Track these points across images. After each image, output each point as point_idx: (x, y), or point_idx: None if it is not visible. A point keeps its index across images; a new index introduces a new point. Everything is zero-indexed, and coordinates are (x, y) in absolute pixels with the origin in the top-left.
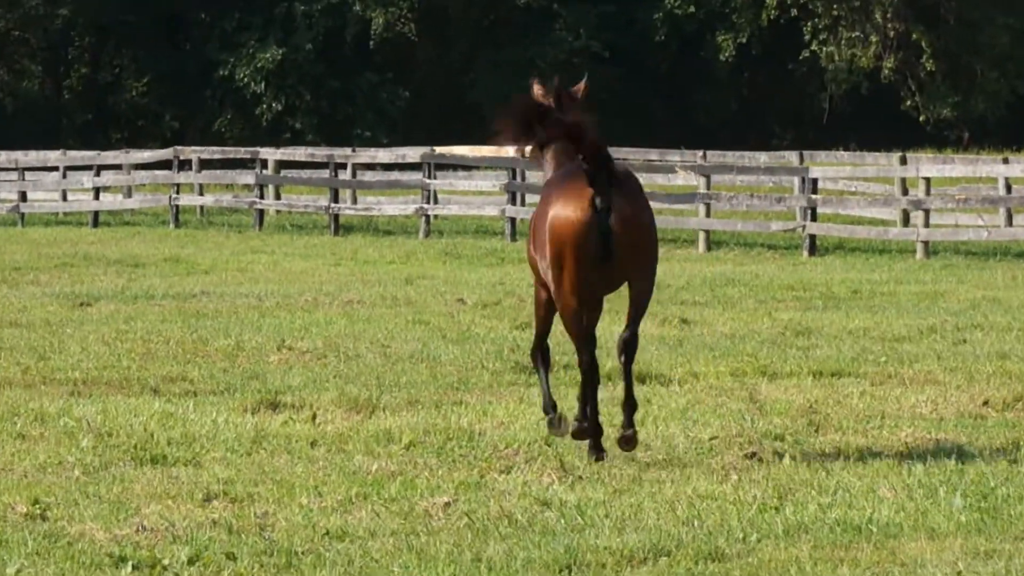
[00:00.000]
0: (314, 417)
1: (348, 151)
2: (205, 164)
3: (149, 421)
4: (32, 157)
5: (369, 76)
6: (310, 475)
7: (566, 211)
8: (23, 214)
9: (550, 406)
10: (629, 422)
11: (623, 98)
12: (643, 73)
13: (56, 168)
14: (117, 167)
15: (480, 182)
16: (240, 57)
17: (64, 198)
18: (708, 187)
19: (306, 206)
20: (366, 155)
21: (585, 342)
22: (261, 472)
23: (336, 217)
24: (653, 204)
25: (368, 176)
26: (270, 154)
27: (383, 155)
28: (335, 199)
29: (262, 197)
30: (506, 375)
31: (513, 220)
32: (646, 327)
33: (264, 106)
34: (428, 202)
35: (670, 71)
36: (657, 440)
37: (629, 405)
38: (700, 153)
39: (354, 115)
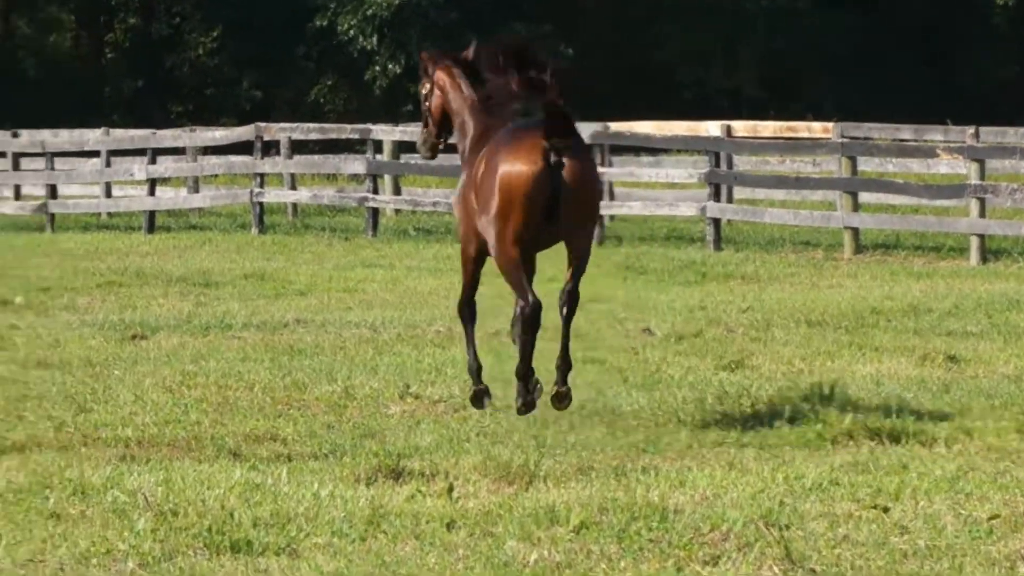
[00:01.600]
0: (450, 489)
1: None
2: (298, 147)
3: (228, 495)
4: (64, 138)
5: (519, 28)
6: (446, 567)
7: (518, 165)
8: (52, 215)
9: (476, 370)
10: (563, 380)
11: (864, 57)
12: (891, 23)
13: (97, 153)
14: (179, 151)
15: (672, 170)
16: (345, 1)
17: (108, 193)
18: (982, 176)
19: (436, 204)
20: None
21: (526, 291)
22: (379, 563)
23: None
24: (907, 199)
25: None
26: (386, 133)
27: None
28: None
29: (376, 192)
30: (710, 432)
31: (717, 222)
32: (901, 367)
33: (377, 68)
34: (602, 198)
35: (929, 20)
36: (917, 520)
37: (564, 363)
38: (970, 130)
39: None
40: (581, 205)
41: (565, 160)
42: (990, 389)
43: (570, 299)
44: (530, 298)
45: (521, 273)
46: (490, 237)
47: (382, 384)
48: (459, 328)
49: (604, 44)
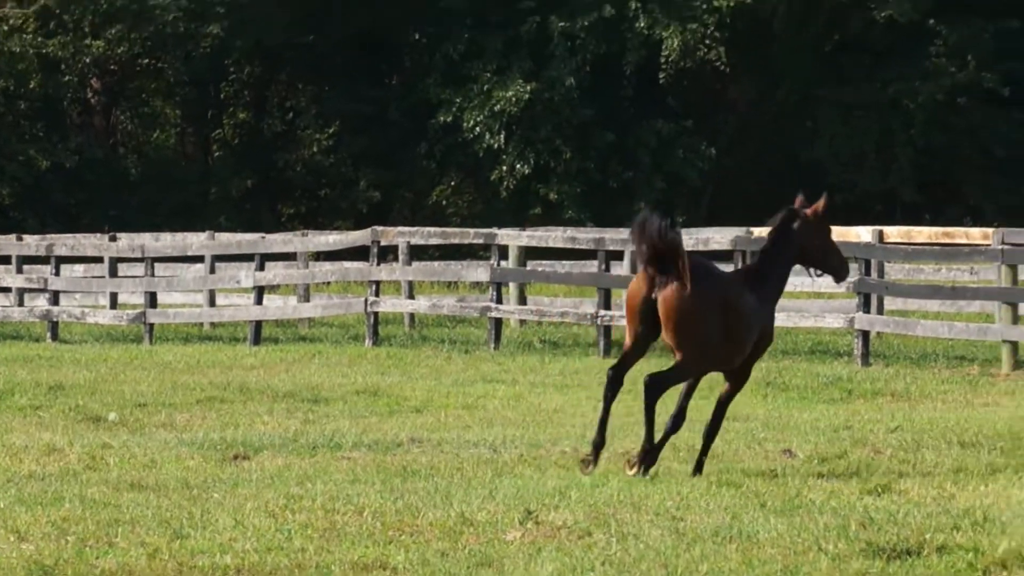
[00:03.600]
0: None
1: (626, 234)
2: (418, 252)
3: None
4: (166, 242)
5: (658, 124)
6: None
7: (631, 285)
8: (151, 325)
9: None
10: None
11: None
12: None
13: (200, 258)
14: (290, 256)
15: (818, 279)
16: (470, 96)
17: (211, 302)
18: None
19: (563, 314)
20: None
21: (617, 366)
22: None
23: (608, 330)
24: None
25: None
26: (512, 238)
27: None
28: (606, 304)
29: (500, 301)
30: (853, 561)
31: (866, 334)
32: None
33: (504, 168)
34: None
35: None
36: None
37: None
38: None
39: (635, 181)
40: (667, 324)
41: (666, 286)
42: None
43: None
44: (609, 372)
45: (624, 356)
46: None
47: (501, 508)
48: (584, 449)
49: (749, 142)
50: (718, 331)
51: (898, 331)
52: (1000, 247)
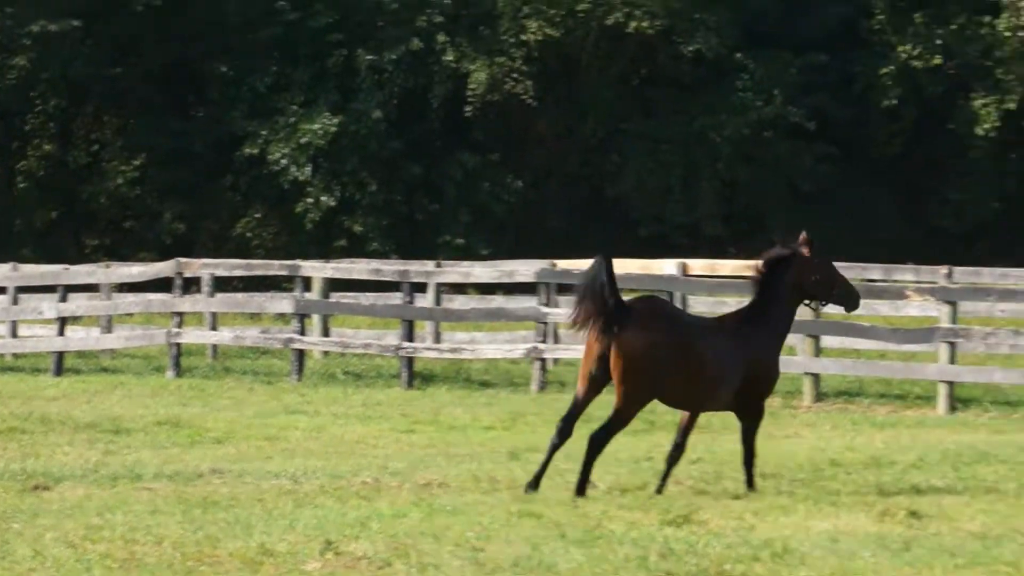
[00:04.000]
0: None
1: (430, 266)
2: (222, 284)
3: None
4: None
5: (464, 157)
6: None
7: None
8: None
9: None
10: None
11: (834, 190)
12: (863, 154)
13: (3, 289)
14: (93, 288)
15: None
16: (277, 129)
17: (13, 333)
18: (954, 320)
19: (367, 346)
20: (457, 272)
21: (567, 414)
22: None
23: (410, 362)
24: (873, 344)
25: (459, 303)
26: (316, 270)
27: (481, 272)
28: (409, 336)
29: (303, 333)
30: None
31: None
32: (859, 523)
33: (310, 201)
34: (545, 340)
35: (903, 152)
36: None
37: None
38: (943, 270)
39: (441, 214)
40: (615, 367)
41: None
42: (954, 547)
43: (588, 440)
44: (559, 424)
45: (576, 399)
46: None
47: (302, 539)
48: (386, 480)
49: (556, 175)
50: (665, 375)
51: None
52: None
